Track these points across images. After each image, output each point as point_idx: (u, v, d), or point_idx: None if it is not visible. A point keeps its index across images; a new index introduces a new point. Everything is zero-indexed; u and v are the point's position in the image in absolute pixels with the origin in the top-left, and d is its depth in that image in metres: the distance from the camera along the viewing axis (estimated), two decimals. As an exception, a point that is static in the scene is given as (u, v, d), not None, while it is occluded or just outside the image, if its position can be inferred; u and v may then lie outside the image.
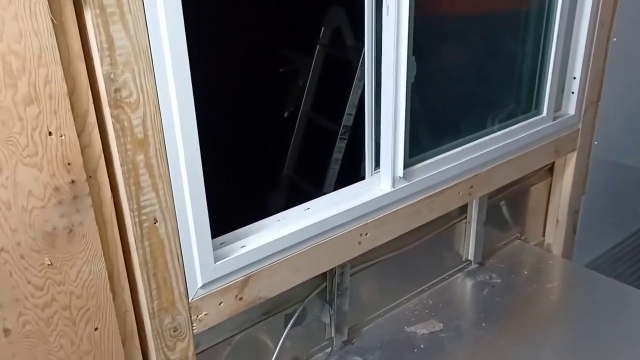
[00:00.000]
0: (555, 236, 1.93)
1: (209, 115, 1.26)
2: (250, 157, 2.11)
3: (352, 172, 1.45)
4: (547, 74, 1.62)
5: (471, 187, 1.53)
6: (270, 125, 2.20)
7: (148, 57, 0.88)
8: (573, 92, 1.71)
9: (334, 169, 1.93)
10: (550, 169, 1.88)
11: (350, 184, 1.35)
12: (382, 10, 1.20)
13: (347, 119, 1.86)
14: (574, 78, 1.70)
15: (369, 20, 1.21)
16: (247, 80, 2.15)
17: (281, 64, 2.19)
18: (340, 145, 1.91)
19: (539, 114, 1.67)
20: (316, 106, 2.06)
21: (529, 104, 1.68)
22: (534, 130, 1.64)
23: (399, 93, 1.26)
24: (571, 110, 1.74)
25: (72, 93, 0.83)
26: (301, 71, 2.12)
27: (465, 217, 1.71)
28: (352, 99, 1.80)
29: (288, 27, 2.17)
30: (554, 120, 1.69)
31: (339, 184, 1.79)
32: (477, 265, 1.77)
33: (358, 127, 1.35)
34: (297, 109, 2.11)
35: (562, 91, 1.72)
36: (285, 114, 2.21)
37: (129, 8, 0.84)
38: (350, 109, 1.83)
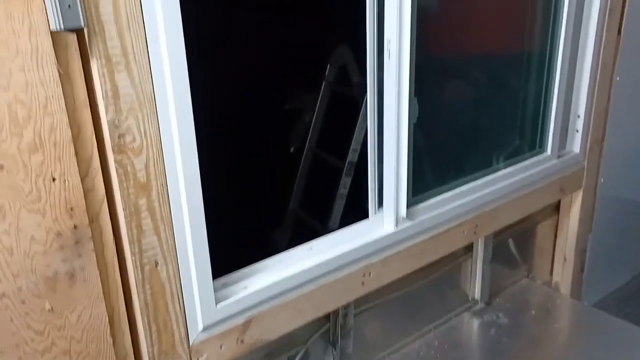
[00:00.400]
0: (562, 275, 1.90)
1: (213, 152, 1.28)
2: (256, 193, 2.12)
3: (358, 208, 1.45)
4: (551, 112, 1.63)
5: (476, 226, 1.52)
6: (276, 161, 2.22)
7: (152, 103, 0.90)
8: (577, 131, 1.72)
9: (339, 205, 1.93)
10: (556, 207, 1.87)
11: (356, 219, 1.35)
12: (383, 54, 1.22)
13: (352, 155, 1.87)
14: (578, 117, 1.71)
15: (370, 64, 1.22)
16: (253, 116, 2.18)
17: (287, 100, 2.23)
18: (346, 181, 1.92)
19: (544, 152, 1.67)
20: (322, 142, 2.08)
21: (533, 142, 1.68)
22: (539, 168, 1.63)
23: (401, 134, 1.27)
24: (576, 148, 1.74)
25: (76, 139, 0.85)
26: (307, 107, 2.15)
27: (471, 256, 1.70)
28: (357, 135, 1.81)
29: (294, 64, 2.21)
30: (558, 159, 1.69)
31: (345, 220, 1.79)
32: (483, 304, 1.74)
33: (364, 163, 1.36)
34: (303, 145, 2.13)
35: (567, 130, 1.73)
36: (292, 150, 2.23)
37: (134, 57, 0.86)
38: (355, 145, 1.84)
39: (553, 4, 1.59)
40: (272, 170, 2.20)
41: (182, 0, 0.90)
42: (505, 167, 1.59)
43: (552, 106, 1.62)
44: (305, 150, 2.12)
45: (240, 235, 1.91)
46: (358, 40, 1.25)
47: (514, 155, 1.65)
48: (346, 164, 1.88)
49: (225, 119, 2.06)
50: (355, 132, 1.81)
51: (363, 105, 1.73)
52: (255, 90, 2.18)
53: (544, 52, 1.63)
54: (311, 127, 2.09)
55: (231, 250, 1.26)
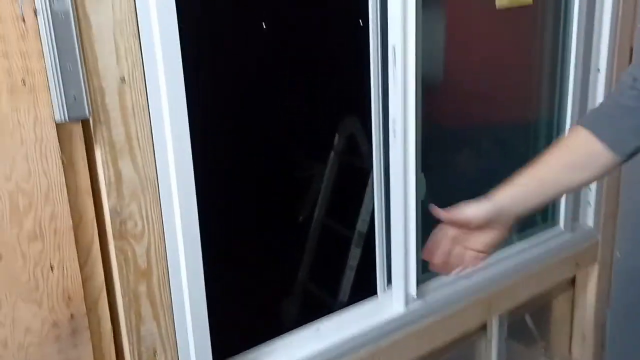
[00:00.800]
0: (582, 352, 1.82)
1: (219, 225, 1.26)
2: (264, 263, 2.09)
3: (368, 280, 1.41)
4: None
5: (489, 303, 1.47)
6: (284, 231, 2.20)
7: (155, 188, 0.90)
8: (590, 204, 1.69)
9: (349, 276, 1.89)
10: (572, 281, 1.81)
11: (367, 291, 1.31)
12: (389, 133, 1.21)
13: (362, 225, 1.84)
14: (590, 189, 1.68)
15: (376, 141, 1.22)
16: (261, 186, 2.18)
17: (296, 169, 2.23)
18: (355, 252, 1.89)
19: (556, 226, 1.63)
20: (331, 211, 2.06)
21: (545, 216, 1.65)
22: (552, 243, 1.60)
23: (409, 212, 1.25)
24: (589, 221, 1.70)
25: (77, 227, 0.84)
26: (316, 176, 2.15)
27: (485, 334, 1.63)
28: (367, 205, 1.79)
29: (303, 134, 2.23)
30: (572, 233, 1.65)
31: (355, 292, 1.75)
32: (500, 385, 1.66)
33: (374, 233, 1.34)
34: (311, 214, 2.12)
35: (579, 202, 1.70)
36: (300, 219, 2.21)
37: (138, 143, 0.87)
38: (364, 215, 1.82)
39: (559, 75, 1.60)
40: (280, 240, 2.18)
41: (187, 84, 0.91)
42: (517, 241, 1.56)
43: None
44: (314, 219, 2.11)
45: (248, 306, 1.87)
46: (366, 111, 1.26)
47: (525, 227, 1.62)
48: (355, 235, 1.86)
49: (232, 190, 2.06)
50: (364, 202, 1.79)
51: (371, 175, 1.73)
52: (264, 159, 2.20)
53: (552, 122, 1.63)
54: (320, 196, 2.08)
55: (238, 323, 1.22)
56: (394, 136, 1.19)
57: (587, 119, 0.93)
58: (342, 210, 1.98)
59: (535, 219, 1.64)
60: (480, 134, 1.63)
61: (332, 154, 2.07)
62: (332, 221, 2.05)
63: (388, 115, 1.21)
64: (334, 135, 2.05)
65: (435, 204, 1.46)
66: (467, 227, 0.88)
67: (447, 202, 1.54)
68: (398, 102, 1.18)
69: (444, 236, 0.90)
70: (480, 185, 1.63)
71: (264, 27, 2.08)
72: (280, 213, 2.22)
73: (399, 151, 1.20)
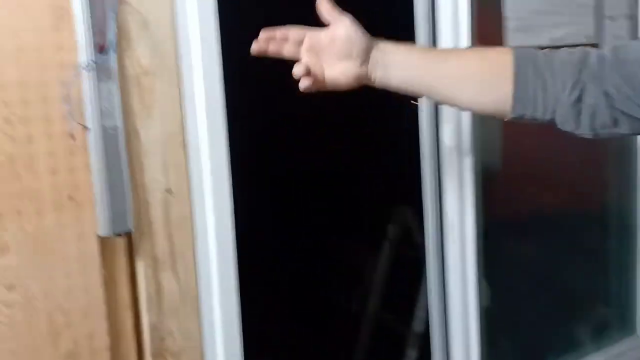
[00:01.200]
0: None
1: (264, 336, 1.20)
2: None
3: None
4: (637, 289, 1.47)
5: None
6: (336, 324, 2.11)
7: (196, 303, 0.86)
8: (672, 309, 1.52)
9: (406, 382, 1.76)
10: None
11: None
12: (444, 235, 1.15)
13: (418, 325, 1.73)
14: (668, 293, 1.53)
15: (432, 247, 1.15)
16: (311, 279, 2.13)
17: (349, 258, 2.17)
18: (411, 354, 1.76)
19: (634, 335, 1.48)
20: (384, 305, 1.97)
21: (621, 322, 1.50)
22: (630, 354, 1.44)
23: (470, 321, 1.15)
24: (673, 328, 1.53)
25: (114, 345, 0.80)
26: (369, 266, 2.08)
27: None
28: (422, 301, 1.69)
29: (355, 223, 2.19)
30: (653, 343, 1.48)
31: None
32: None
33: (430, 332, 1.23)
34: (364, 307, 2.03)
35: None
36: (353, 310, 2.12)
37: (182, 256, 0.84)
38: (420, 312, 1.72)
39: (627, 156, 1.50)
40: (331, 334, 2.09)
41: (234, 191, 0.89)
42: (592, 352, 1.41)
43: (637, 282, 1.47)
44: (367, 311, 2.01)
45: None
46: (421, 200, 1.19)
47: (600, 334, 1.47)
48: (411, 335, 1.75)
49: (280, 293, 2.02)
50: (420, 298, 1.70)
51: (427, 276, 1.63)
52: (314, 246, 2.16)
53: (622, 204, 1.51)
54: (373, 287, 2.00)
55: None
56: (453, 242, 1.12)
57: (524, 56, 0.72)
58: (397, 304, 1.88)
59: (610, 327, 1.49)
60: (546, 224, 1.53)
61: (386, 243, 2.00)
62: (386, 314, 1.95)
63: (442, 213, 1.14)
64: (387, 224, 1.99)
65: (500, 307, 1.35)
66: (331, 34, 0.73)
67: (515, 305, 1.43)
68: (454, 205, 1.11)
69: (298, 31, 0.74)
70: (550, 281, 1.52)
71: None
72: (332, 304, 2.15)
73: (457, 257, 1.12)
